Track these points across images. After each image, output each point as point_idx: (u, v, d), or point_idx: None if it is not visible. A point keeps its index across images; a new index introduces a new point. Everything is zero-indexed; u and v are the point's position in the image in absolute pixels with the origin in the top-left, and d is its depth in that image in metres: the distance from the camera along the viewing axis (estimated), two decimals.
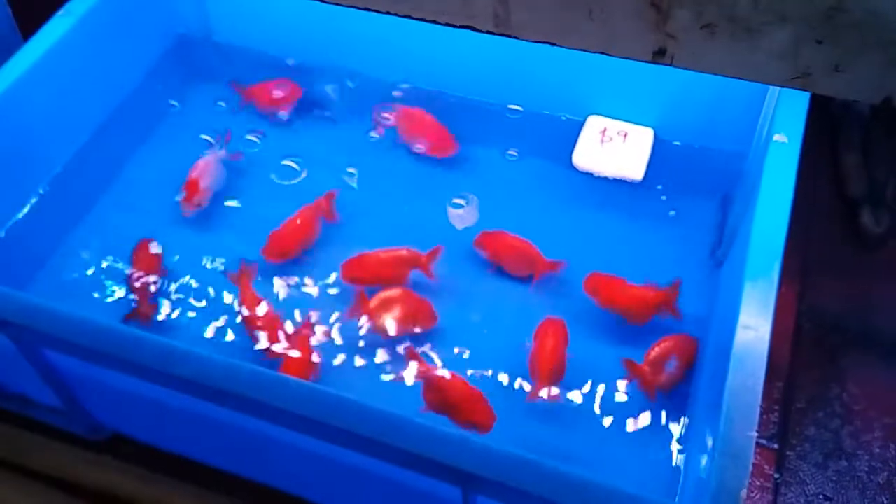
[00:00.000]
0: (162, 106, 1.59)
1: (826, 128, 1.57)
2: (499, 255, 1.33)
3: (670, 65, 0.67)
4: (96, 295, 1.32)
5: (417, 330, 1.25)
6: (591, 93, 1.47)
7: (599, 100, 1.48)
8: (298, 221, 1.37)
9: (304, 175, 1.48)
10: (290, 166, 1.49)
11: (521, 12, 0.68)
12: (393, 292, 1.27)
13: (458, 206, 1.40)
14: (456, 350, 1.25)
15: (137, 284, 1.32)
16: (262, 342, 1.24)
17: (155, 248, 1.36)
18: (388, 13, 0.67)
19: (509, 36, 0.68)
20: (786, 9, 0.62)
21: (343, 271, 1.32)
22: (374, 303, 1.26)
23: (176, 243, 1.38)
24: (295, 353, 1.23)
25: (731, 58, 0.65)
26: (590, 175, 1.43)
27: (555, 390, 1.17)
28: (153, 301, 1.31)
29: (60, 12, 1.37)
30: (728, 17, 0.64)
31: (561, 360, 1.19)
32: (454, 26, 0.69)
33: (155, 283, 1.32)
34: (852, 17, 0.61)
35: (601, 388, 1.20)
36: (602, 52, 0.68)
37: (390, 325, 1.25)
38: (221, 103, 1.59)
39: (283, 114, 1.55)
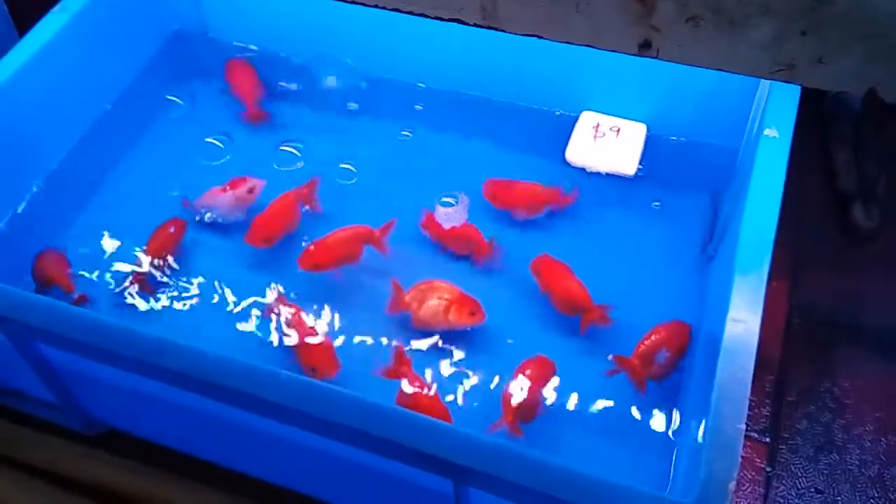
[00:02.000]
0: (157, 102, 1.59)
1: (817, 124, 1.58)
2: (442, 236, 1.35)
3: (656, 57, 0.67)
4: (92, 291, 1.32)
5: (459, 325, 1.24)
6: (585, 89, 1.48)
7: (593, 96, 1.48)
8: (279, 207, 1.37)
9: (299, 165, 1.49)
10: (288, 151, 1.50)
11: (508, 5, 0.68)
12: (437, 283, 1.25)
13: (448, 204, 1.40)
14: (440, 346, 1.26)
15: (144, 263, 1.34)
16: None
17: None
18: (375, 7, 0.68)
19: (496, 29, 0.69)
20: (770, 1, 0.63)
21: (302, 261, 1.30)
22: (411, 294, 1.25)
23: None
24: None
25: (715, 50, 0.66)
26: (583, 170, 1.44)
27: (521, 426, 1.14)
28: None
29: (56, 8, 1.37)
30: (713, 9, 0.64)
31: (534, 401, 1.16)
32: (443, 19, 0.70)
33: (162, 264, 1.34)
34: (836, 9, 0.62)
35: (592, 380, 1.20)
36: (588, 45, 0.68)
37: (430, 317, 1.24)
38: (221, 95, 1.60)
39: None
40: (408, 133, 1.53)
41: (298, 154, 1.50)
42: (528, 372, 1.17)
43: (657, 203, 1.40)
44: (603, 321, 1.23)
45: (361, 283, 1.32)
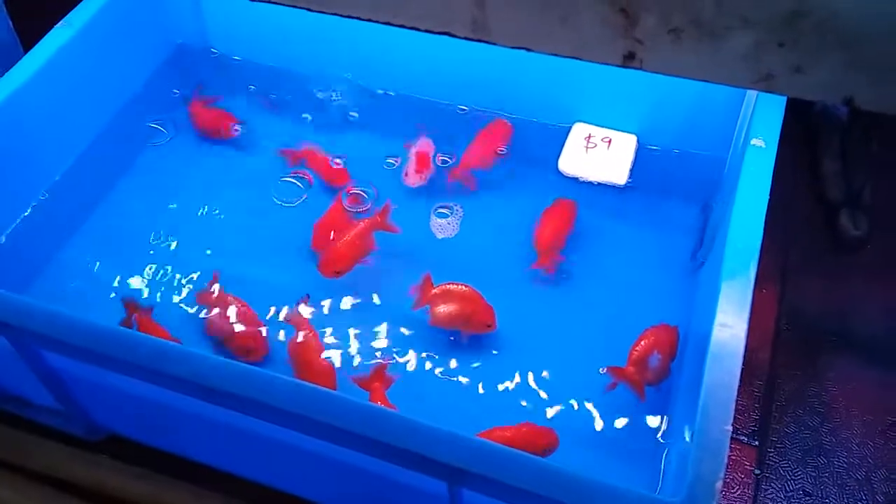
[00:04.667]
0: (160, 114, 1.61)
1: (806, 136, 1.61)
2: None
3: (639, 68, 0.70)
4: (94, 301, 1.34)
5: (471, 331, 1.26)
6: (577, 101, 1.50)
7: (585, 108, 1.51)
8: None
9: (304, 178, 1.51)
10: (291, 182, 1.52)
11: (498, 19, 0.70)
12: (461, 287, 1.26)
13: (443, 215, 1.43)
14: (424, 355, 1.28)
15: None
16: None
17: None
18: (369, 20, 0.70)
19: (486, 42, 0.71)
20: (748, 13, 0.65)
21: (324, 271, 1.32)
22: (436, 291, 1.26)
23: (173, 247, 1.41)
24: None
25: (696, 61, 0.68)
26: (575, 180, 1.46)
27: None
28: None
29: (61, 24, 1.39)
30: (693, 21, 0.66)
31: (560, 236, 1.35)
32: (433, 32, 0.72)
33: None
34: (812, 20, 0.64)
35: (583, 384, 1.22)
36: (574, 57, 0.70)
37: (447, 319, 1.26)
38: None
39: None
40: (405, 145, 1.56)
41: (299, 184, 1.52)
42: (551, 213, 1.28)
43: (648, 212, 1.42)
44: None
45: (366, 282, 1.34)
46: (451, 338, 1.28)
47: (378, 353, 1.27)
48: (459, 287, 1.26)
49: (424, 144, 1.49)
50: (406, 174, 1.45)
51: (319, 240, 1.37)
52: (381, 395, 1.18)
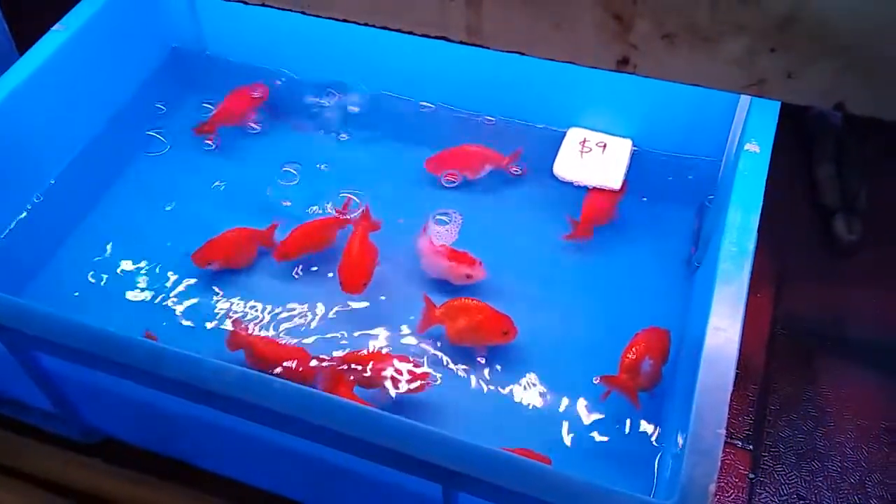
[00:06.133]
0: (155, 118, 1.62)
1: (802, 140, 1.61)
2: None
3: (633, 73, 0.70)
4: (89, 304, 1.34)
5: (489, 342, 1.26)
6: (572, 106, 1.51)
7: (580, 112, 1.51)
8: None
9: (296, 181, 1.52)
10: (288, 171, 1.53)
11: (493, 24, 0.71)
12: (467, 301, 1.26)
13: (442, 222, 1.43)
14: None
15: None
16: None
17: None
18: (365, 24, 0.71)
19: (481, 46, 0.71)
20: (741, 19, 0.65)
21: (352, 287, 1.31)
22: (443, 310, 1.26)
23: (168, 251, 1.42)
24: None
25: (690, 66, 0.69)
26: (570, 185, 1.47)
27: None
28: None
29: (56, 27, 1.39)
30: (687, 27, 0.67)
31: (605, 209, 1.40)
32: (429, 37, 0.72)
33: None
34: (804, 26, 0.64)
35: (578, 387, 1.23)
36: (569, 62, 0.71)
37: (462, 334, 1.26)
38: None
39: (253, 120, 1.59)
40: (401, 149, 1.56)
41: (296, 173, 1.53)
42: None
43: (642, 216, 1.43)
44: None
45: (368, 293, 1.34)
46: (439, 343, 1.28)
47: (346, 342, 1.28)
48: (465, 301, 1.26)
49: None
50: (457, 277, 1.34)
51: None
52: (352, 397, 1.18)
